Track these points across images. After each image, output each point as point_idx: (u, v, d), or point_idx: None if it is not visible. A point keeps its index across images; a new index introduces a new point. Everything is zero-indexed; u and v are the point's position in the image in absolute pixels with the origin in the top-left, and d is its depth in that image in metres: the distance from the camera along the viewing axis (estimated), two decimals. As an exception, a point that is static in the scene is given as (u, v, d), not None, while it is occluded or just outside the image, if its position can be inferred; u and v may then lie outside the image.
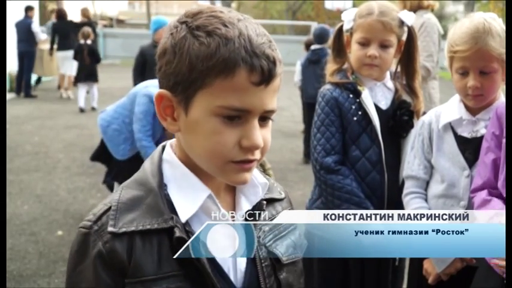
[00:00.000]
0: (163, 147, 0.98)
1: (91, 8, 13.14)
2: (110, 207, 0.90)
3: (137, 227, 0.87)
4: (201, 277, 0.87)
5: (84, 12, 11.53)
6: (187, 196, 0.91)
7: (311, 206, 2.18)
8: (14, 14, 9.66)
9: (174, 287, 0.87)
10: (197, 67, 0.84)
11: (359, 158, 2.02)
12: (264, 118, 0.90)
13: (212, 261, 0.90)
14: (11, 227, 4.03)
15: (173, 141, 0.98)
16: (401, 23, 1.98)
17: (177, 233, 0.87)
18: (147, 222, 0.88)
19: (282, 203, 1.06)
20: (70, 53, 10.14)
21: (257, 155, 0.89)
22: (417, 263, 1.95)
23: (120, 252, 0.86)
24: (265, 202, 0.99)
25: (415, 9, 3.36)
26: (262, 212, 0.97)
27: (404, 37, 2.02)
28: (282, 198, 1.06)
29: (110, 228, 0.87)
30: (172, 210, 0.90)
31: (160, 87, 0.91)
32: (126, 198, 0.91)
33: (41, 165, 5.85)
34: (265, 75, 0.85)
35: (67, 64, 10.49)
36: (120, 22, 31.37)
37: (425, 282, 1.87)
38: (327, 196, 2.04)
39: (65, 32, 10.45)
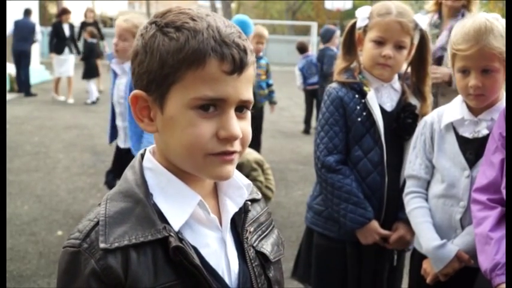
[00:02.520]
0: (143, 155, 0.95)
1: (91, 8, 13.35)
2: (97, 222, 0.86)
3: (130, 241, 0.84)
4: (199, 284, 0.86)
5: (88, 13, 11.70)
6: (177, 204, 0.89)
7: (311, 203, 2.19)
8: (12, 14, 9.68)
9: None
10: (168, 62, 0.84)
11: (361, 158, 2.02)
12: (241, 109, 0.89)
13: (207, 266, 0.89)
14: (11, 227, 4.03)
15: (152, 147, 0.96)
16: (416, 26, 1.98)
17: (173, 242, 0.84)
18: (139, 234, 0.84)
19: (260, 203, 1.07)
20: (68, 55, 10.35)
21: (237, 146, 0.88)
22: (417, 263, 1.95)
23: (115, 268, 0.82)
24: (249, 203, 1.00)
25: None
26: (249, 213, 0.99)
27: (416, 40, 2.01)
28: (259, 199, 1.07)
29: (102, 245, 0.83)
30: (162, 219, 0.87)
31: (135, 89, 0.90)
32: (113, 211, 0.87)
33: (41, 165, 5.85)
34: (237, 63, 0.84)
35: (66, 65, 10.39)
36: (120, 22, 31.27)
37: (424, 283, 1.87)
38: (327, 194, 2.05)
39: (64, 33, 10.38)
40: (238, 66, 0.84)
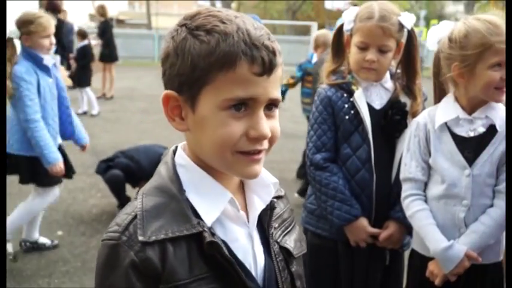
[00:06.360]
0: (174, 151, 0.99)
1: (91, 8, 12.66)
2: (135, 216, 0.90)
3: (167, 234, 0.88)
4: (230, 276, 0.90)
5: (100, 11, 10.39)
6: (209, 200, 0.93)
7: (305, 202, 2.24)
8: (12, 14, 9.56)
9: None
10: (199, 65, 0.86)
11: (349, 156, 2.04)
12: (270, 107, 0.92)
13: (236, 260, 0.93)
14: (11, 227, 4.03)
15: (183, 144, 1.00)
16: (401, 27, 1.98)
17: (208, 237, 0.88)
18: (175, 229, 0.89)
19: (283, 200, 1.11)
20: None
21: (265, 145, 0.92)
22: (418, 264, 1.95)
23: (153, 260, 0.86)
24: (275, 200, 1.04)
25: None
26: (274, 210, 1.03)
27: (404, 39, 2.02)
28: (283, 195, 1.12)
29: (140, 238, 0.87)
30: (195, 214, 0.91)
31: (166, 89, 0.93)
32: (149, 206, 0.91)
33: (41, 165, 5.83)
34: (266, 65, 0.87)
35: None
36: (120, 22, 31.39)
37: (428, 284, 1.87)
38: (316, 192, 2.09)
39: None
40: (267, 68, 0.87)
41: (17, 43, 3.32)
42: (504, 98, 1.75)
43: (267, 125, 0.90)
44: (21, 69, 3.21)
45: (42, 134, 3.20)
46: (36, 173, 3.37)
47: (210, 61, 0.86)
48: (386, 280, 2.14)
